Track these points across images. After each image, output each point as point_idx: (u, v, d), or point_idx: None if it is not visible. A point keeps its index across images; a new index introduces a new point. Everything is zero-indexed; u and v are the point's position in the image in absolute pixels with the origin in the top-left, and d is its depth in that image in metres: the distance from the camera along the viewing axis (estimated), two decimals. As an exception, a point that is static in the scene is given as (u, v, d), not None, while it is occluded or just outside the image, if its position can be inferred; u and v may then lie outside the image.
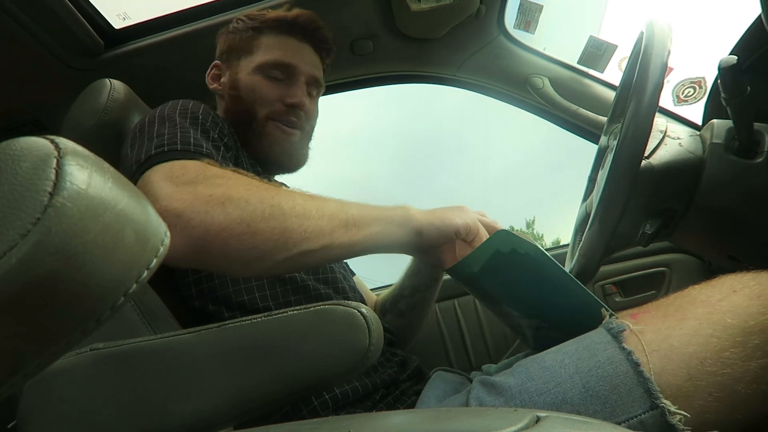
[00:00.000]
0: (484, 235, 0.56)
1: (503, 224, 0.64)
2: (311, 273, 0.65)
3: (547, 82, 1.11)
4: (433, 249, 0.56)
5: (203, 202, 0.45)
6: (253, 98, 0.72)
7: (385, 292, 0.84)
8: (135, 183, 0.51)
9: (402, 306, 0.79)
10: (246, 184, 0.49)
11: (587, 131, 1.11)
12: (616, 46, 1.03)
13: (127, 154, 0.56)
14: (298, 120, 0.75)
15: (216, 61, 0.78)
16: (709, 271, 1.01)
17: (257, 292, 0.59)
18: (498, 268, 0.52)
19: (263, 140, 0.72)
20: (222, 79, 0.76)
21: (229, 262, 0.46)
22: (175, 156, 0.52)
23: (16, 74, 0.95)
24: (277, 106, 0.72)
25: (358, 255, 0.52)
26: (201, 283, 0.59)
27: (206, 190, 0.47)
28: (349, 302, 0.36)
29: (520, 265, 0.51)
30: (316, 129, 0.81)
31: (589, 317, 0.50)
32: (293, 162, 0.77)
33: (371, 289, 1.15)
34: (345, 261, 0.83)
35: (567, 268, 0.68)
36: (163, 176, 0.49)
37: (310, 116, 0.78)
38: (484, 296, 0.63)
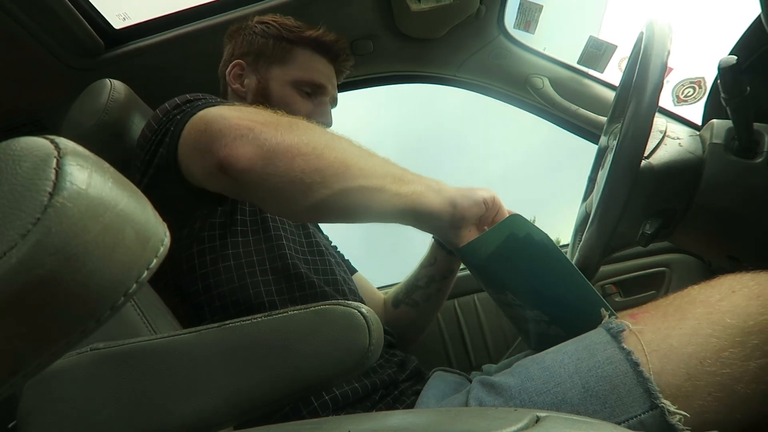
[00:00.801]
0: (506, 213, 0.58)
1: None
2: (313, 273, 0.65)
3: (547, 82, 1.11)
4: (459, 223, 0.55)
5: (272, 124, 0.47)
6: (285, 111, 0.73)
7: (398, 284, 0.85)
8: (178, 133, 0.51)
9: (417, 297, 0.80)
10: (304, 121, 0.51)
11: (587, 131, 1.11)
12: (616, 46, 1.03)
13: (154, 137, 0.56)
14: None
15: (239, 60, 0.76)
16: (709, 271, 1.01)
17: (263, 287, 0.60)
18: (510, 252, 0.53)
19: None
20: (245, 81, 0.76)
21: (291, 182, 0.45)
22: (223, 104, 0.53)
23: (16, 74, 0.95)
24: None
25: (400, 214, 0.51)
26: (207, 278, 0.59)
27: (271, 117, 0.49)
28: (349, 302, 0.36)
29: (532, 252, 0.52)
30: None
31: (589, 314, 0.50)
32: None
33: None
34: (344, 264, 0.83)
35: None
36: (223, 109, 0.50)
37: None
38: (490, 281, 0.63)
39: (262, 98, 0.73)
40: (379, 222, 0.52)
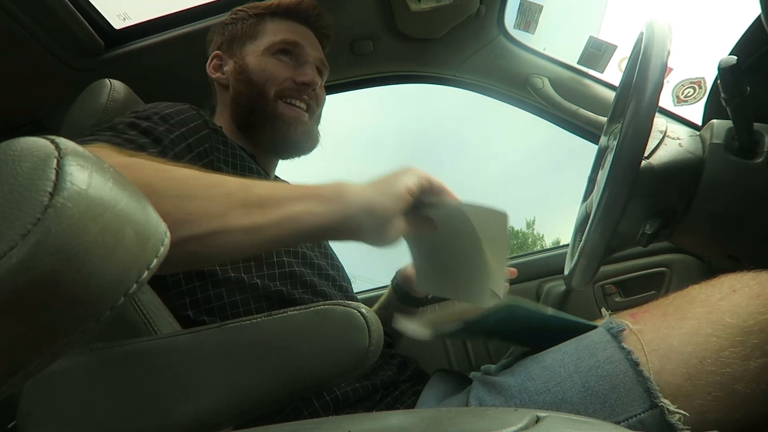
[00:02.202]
0: (450, 193, 0.49)
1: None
2: (311, 269, 0.64)
3: (547, 82, 1.11)
4: (384, 226, 0.44)
5: None
6: (264, 78, 0.72)
7: None
8: None
9: None
10: (124, 164, 0.42)
11: (587, 131, 1.11)
12: (616, 47, 1.03)
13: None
14: (309, 99, 0.75)
15: (216, 52, 0.77)
16: (709, 271, 1.01)
17: (253, 303, 0.57)
18: (507, 328, 0.52)
19: (278, 122, 0.72)
20: (225, 68, 0.76)
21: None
22: (99, 139, 0.50)
23: (16, 74, 0.95)
24: (287, 84, 0.72)
25: (274, 242, 0.43)
26: (195, 293, 0.57)
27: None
28: (349, 302, 0.36)
29: (530, 326, 0.52)
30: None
31: None
32: (308, 143, 0.76)
33: (371, 290, 1.15)
34: (338, 261, 0.81)
35: (567, 269, 0.68)
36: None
37: (319, 98, 0.78)
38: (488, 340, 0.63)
39: (242, 76, 0.73)
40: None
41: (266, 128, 0.72)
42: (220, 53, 0.77)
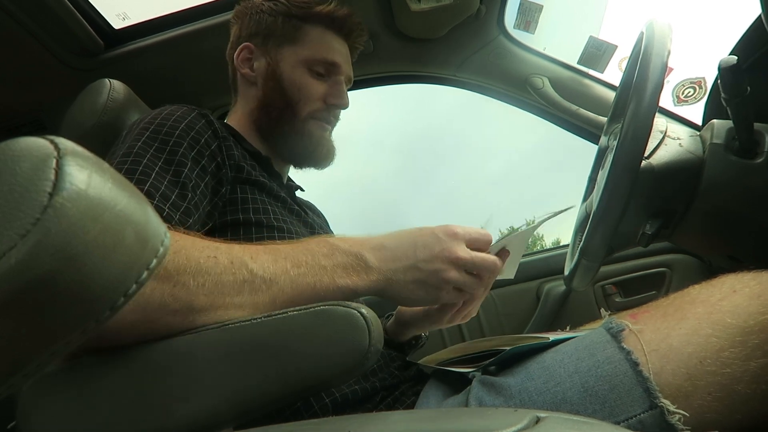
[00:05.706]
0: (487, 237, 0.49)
1: (503, 224, 0.63)
2: None
3: (547, 82, 1.11)
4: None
5: None
6: (298, 96, 0.71)
7: None
8: None
9: None
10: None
11: (587, 131, 1.11)
12: (616, 47, 1.03)
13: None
14: (335, 119, 0.76)
15: (247, 43, 0.72)
16: (709, 272, 1.01)
17: None
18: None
19: (305, 139, 0.72)
20: (255, 64, 0.73)
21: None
22: None
23: (16, 74, 0.95)
24: (318, 105, 0.72)
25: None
26: None
27: None
28: (349, 302, 0.36)
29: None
30: None
31: None
32: (329, 159, 0.77)
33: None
34: None
35: (567, 269, 0.68)
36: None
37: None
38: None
39: (273, 82, 0.71)
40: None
41: (291, 142, 0.72)
42: (251, 46, 0.72)
